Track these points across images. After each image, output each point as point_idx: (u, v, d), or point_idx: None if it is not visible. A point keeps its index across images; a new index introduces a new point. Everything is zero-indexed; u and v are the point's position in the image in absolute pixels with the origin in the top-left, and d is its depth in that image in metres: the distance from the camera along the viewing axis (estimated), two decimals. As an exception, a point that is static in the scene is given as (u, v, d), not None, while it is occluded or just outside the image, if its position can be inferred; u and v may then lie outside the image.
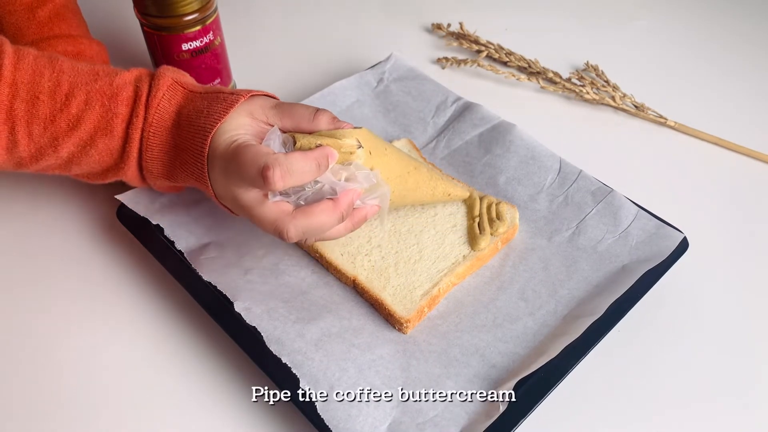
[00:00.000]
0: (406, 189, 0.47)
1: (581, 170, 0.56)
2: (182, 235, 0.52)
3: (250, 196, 0.41)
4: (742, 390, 0.47)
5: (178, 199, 0.54)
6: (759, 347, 0.49)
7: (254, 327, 0.45)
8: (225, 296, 0.47)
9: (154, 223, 0.51)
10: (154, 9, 0.56)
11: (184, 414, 0.45)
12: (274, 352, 0.43)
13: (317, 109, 0.44)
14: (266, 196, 0.41)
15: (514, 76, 0.71)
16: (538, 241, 0.53)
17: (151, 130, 0.45)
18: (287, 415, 0.44)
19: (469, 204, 0.54)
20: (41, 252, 0.54)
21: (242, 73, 0.70)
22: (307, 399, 0.41)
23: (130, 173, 0.47)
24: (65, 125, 0.44)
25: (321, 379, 0.43)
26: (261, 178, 0.39)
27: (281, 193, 0.41)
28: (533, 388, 0.42)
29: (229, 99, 0.44)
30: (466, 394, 0.43)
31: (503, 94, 0.71)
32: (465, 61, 0.72)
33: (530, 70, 0.72)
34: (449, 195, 0.51)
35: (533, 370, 0.42)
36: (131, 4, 0.58)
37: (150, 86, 0.45)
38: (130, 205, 0.52)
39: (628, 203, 0.53)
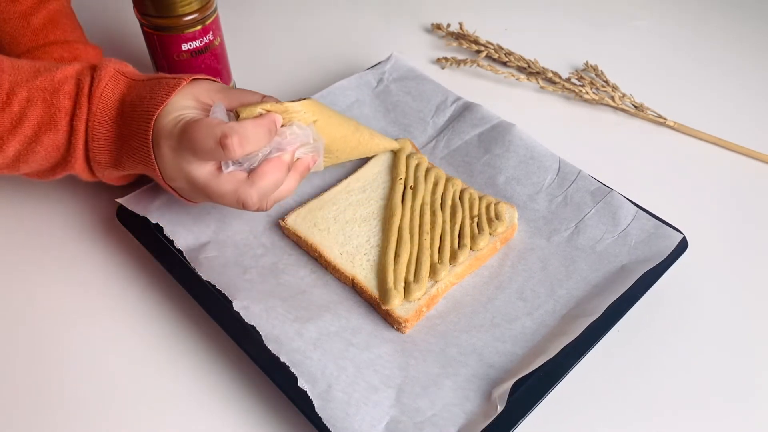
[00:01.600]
0: (350, 147, 0.53)
1: (580, 170, 0.56)
2: (181, 234, 0.52)
3: (204, 171, 0.42)
4: (741, 390, 0.47)
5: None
6: (758, 347, 0.49)
7: (253, 326, 0.45)
8: (224, 295, 0.47)
9: (153, 222, 0.51)
10: (154, 9, 0.56)
11: (183, 414, 0.45)
12: (272, 351, 0.44)
13: (264, 94, 0.45)
14: (219, 169, 0.42)
15: (513, 76, 0.71)
16: (537, 240, 0.53)
17: (96, 120, 0.45)
18: (285, 414, 0.44)
19: (469, 203, 0.54)
20: (41, 252, 0.54)
21: (242, 73, 0.70)
22: (305, 398, 0.41)
23: (78, 166, 0.47)
24: (8, 124, 0.44)
25: (319, 377, 0.43)
26: (219, 147, 0.40)
27: (233, 164, 0.42)
28: (532, 389, 0.42)
29: (171, 83, 0.44)
30: (464, 394, 0.43)
31: (503, 94, 0.71)
32: (465, 61, 0.72)
33: (530, 70, 0.72)
34: (384, 147, 0.57)
35: (531, 370, 0.42)
36: (131, 4, 0.58)
37: (92, 78, 0.45)
38: (129, 206, 0.52)
39: (627, 203, 0.53)
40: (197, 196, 0.46)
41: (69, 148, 0.46)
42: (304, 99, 0.46)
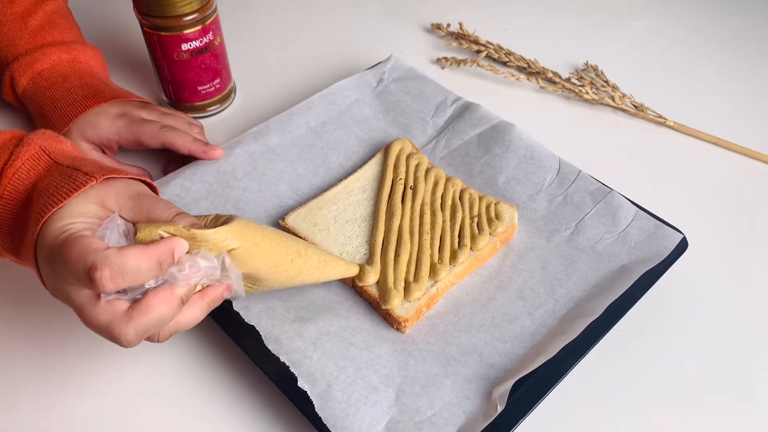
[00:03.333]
0: (286, 276, 0.43)
1: (580, 170, 0.56)
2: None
3: (81, 294, 0.35)
4: (741, 389, 0.47)
5: (179, 200, 0.54)
6: (758, 347, 0.49)
7: (253, 326, 0.45)
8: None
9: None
10: (154, 9, 0.56)
11: (183, 414, 0.45)
12: (272, 351, 0.43)
13: (179, 212, 0.38)
14: (99, 295, 0.35)
15: (513, 76, 0.71)
16: (536, 240, 0.53)
17: (1, 203, 0.39)
18: (285, 414, 0.44)
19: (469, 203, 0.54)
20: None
21: (242, 73, 0.71)
22: (305, 398, 0.41)
23: None
24: None
25: (319, 377, 0.43)
26: (88, 278, 0.33)
27: (117, 291, 0.35)
28: (532, 389, 0.42)
29: (78, 180, 0.38)
30: (464, 394, 0.43)
31: (503, 94, 0.71)
32: (465, 61, 0.72)
33: (530, 70, 0.72)
34: (338, 275, 0.47)
35: (531, 369, 0.42)
36: (131, 4, 0.58)
37: (11, 154, 0.40)
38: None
39: (627, 203, 0.53)
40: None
41: None
42: (229, 219, 0.38)
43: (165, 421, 0.45)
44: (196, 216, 0.40)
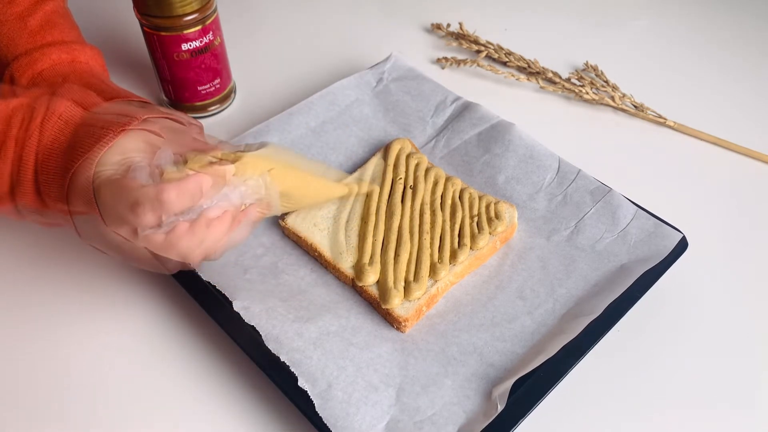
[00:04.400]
0: (310, 193, 0.49)
1: (580, 169, 0.56)
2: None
3: (127, 230, 0.39)
4: (741, 389, 0.47)
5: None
6: (758, 347, 0.49)
7: (253, 326, 0.45)
8: (224, 295, 0.47)
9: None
10: (154, 9, 0.56)
11: (183, 414, 0.45)
12: (272, 351, 0.44)
13: (220, 140, 0.43)
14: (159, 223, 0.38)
15: (513, 76, 0.71)
16: (536, 240, 0.53)
17: (45, 153, 0.42)
18: (285, 414, 0.44)
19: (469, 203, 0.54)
20: (43, 255, 0.54)
21: (242, 73, 0.71)
22: (306, 397, 0.41)
23: (28, 198, 0.44)
24: None
25: (319, 377, 0.43)
26: (132, 214, 0.37)
27: (175, 216, 0.39)
28: (532, 388, 0.42)
29: (123, 121, 0.41)
30: (464, 393, 0.43)
31: (503, 94, 0.71)
32: (464, 61, 0.72)
33: (530, 70, 0.72)
34: (341, 192, 0.53)
35: (531, 369, 0.42)
36: (131, 4, 0.58)
37: (47, 108, 0.43)
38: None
39: (626, 202, 0.53)
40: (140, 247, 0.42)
41: (19, 178, 0.43)
42: (263, 145, 0.43)
43: (164, 421, 0.45)
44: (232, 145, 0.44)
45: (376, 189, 0.55)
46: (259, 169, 0.42)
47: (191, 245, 0.40)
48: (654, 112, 0.67)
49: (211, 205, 0.40)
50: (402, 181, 0.56)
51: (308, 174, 0.48)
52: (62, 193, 0.42)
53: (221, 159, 0.40)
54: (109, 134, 0.40)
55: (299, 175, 0.47)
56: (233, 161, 0.40)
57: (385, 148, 0.59)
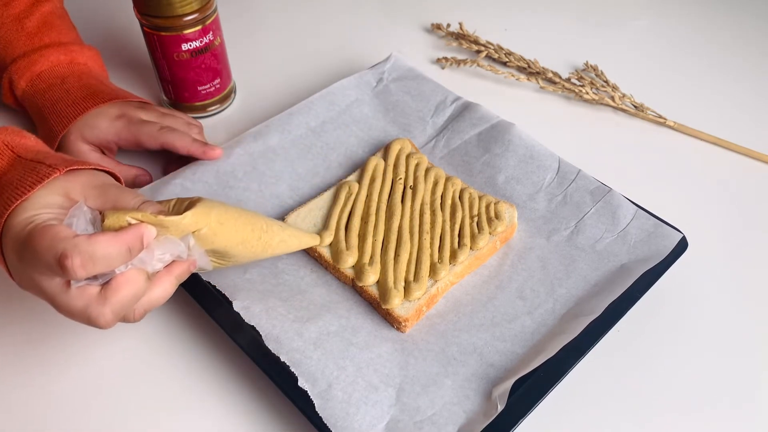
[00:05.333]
0: (254, 252, 0.44)
1: (580, 169, 0.56)
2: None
3: (52, 284, 0.36)
4: (741, 389, 0.47)
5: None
6: (758, 347, 0.49)
7: (253, 326, 0.45)
8: (224, 295, 0.47)
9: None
10: (154, 9, 0.56)
11: (183, 414, 0.45)
12: (272, 351, 0.44)
13: (145, 199, 0.39)
14: (69, 283, 0.36)
15: (513, 76, 0.71)
16: (536, 240, 0.53)
17: None
18: (285, 414, 0.44)
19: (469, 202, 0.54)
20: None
21: (242, 73, 0.71)
22: (306, 397, 0.41)
23: None
24: None
25: (319, 377, 0.43)
26: (59, 267, 0.34)
27: (87, 278, 0.36)
28: (532, 388, 0.42)
29: (42, 172, 0.38)
30: (464, 393, 0.43)
31: (503, 94, 0.71)
32: (465, 61, 0.72)
33: (530, 70, 0.72)
34: (302, 245, 0.49)
35: (531, 369, 0.42)
36: (131, 4, 0.58)
37: None
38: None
39: (626, 202, 0.53)
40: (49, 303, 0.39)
41: None
42: (194, 202, 0.40)
43: (164, 421, 0.45)
44: (159, 202, 0.41)
45: (376, 188, 0.55)
46: (183, 231, 0.39)
47: (127, 300, 0.37)
48: (654, 112, 0.67)
49: (125, 270, 0.37)
50: (402, 181, 0.56)
51: (254, 231, 0.44)
52: None
53: (141, 220, 0.37)
54: (54, 173, 0.38)
55: (238, 233, 0.42)
56: (154, 224, 0.37)
57: (385, 148, 0.59)
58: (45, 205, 0.37)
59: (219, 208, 0.41)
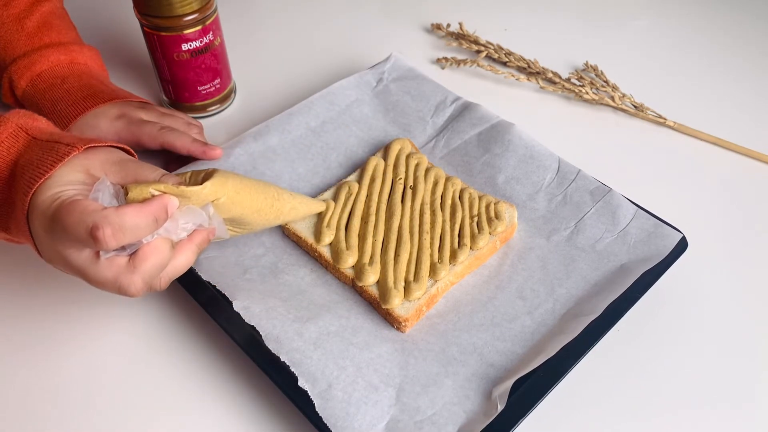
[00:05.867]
0: (267, 219, 0.47)
1: (580, 170, 0.56)
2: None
3: (81, 256, 0.37)
4: (741, 389, 0.47)
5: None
6: (758, 347, 0.49)
7: (253, 326, 0.45)
8: (224, 295, 0.47)
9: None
10: (154, 9, 0.56)
11: (183, 414, 0.45)
12: (272, 351, 0.44)
13: (165, 172, 0.41)
14: (98, 254, 0.37)
15: (513, 76, 0.71)
16: (536, 240, 0.53)
17: None
18: (285, 414, 0.44)
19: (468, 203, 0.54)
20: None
21: (242, 73, 0.71)
22: (306, 397, 0.41)
23: None
24: None
25: (319, 377, 0.43)
26: (90, 238, 0.35)
27: (116, 249, 0.37)
28: (532, 388, 0.42)
29: (61, 151, 0.39)
30: (465, 393, 0.43)
31: (503, 94, 0.71)
32: (464, 61, 0.72)
33: (530, 70, 0.72)
34: (310, 211, 0.52)
35: (531, 369, 0.42)
36: (131, 4, 0.58)
37: None
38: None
39: (626, 202, 0.53)
40: (77, 276, 0.40)
41: None
42: (210, 173, 0.41)
43: (164, 421, 0.45)
44: (176, 174, 0.42)
45: (376, 188, 0.55)
46: (202, 201, 0.40)
47: (155, 268, 0.38)
48: (654, 112, 0.67)
49: (151, 239, 0.38)
50: (402, 181, 0.56)
51: (267, 199, 0.46)
52: (2, 222, 0.41)
53: (163, 192, 0.38)
54: (73, 151, 0.39)
55: (253, 201, 0.45)
56: (176, 194, 0.39)
57: (385, 148, 0.59)
58: (68, 182, 0.38)
59: (234, 178, 0.43)
